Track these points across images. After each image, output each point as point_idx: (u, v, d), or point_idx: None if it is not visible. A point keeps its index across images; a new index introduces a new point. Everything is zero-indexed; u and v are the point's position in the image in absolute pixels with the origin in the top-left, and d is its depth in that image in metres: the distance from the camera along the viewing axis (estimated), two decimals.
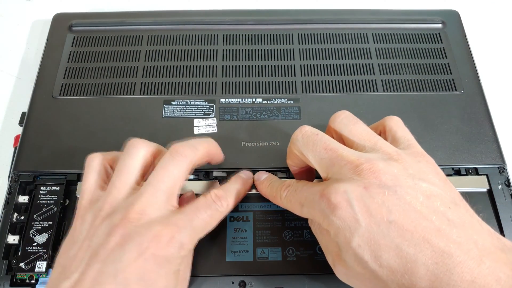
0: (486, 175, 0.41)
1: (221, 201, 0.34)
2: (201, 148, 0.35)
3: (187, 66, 0.48)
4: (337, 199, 0.29)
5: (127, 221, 0.30)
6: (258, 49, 0.49)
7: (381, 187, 0.29)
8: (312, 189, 0.32)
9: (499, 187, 0.41)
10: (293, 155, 0.36)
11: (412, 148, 0.33)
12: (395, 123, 0.36)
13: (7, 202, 0.40)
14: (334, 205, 0.29)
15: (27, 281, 0.37)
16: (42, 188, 0.40)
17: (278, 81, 0.47)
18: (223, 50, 0.49)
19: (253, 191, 0.40)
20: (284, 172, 0.41)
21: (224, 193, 0.35)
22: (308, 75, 0.47)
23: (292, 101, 0.45)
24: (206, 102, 0.45)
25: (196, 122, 0.44)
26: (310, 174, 0.38)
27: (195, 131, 0.43)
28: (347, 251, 0.29)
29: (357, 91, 0.46)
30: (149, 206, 0.31)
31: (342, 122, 0.35)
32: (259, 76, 0.47)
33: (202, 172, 0.41)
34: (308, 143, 0.33)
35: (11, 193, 0.40)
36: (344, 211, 0.29)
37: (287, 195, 0.35)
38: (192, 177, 0.41)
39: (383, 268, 0.28)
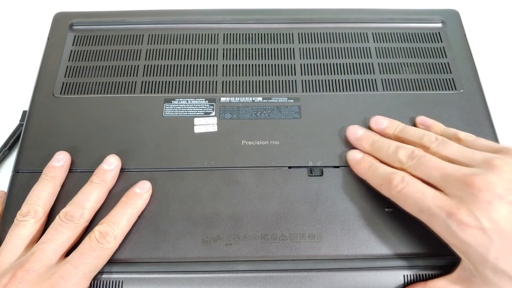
0: None
1: (105, 238, 0.34)
2: (88, 206, 0.36)
3: (187, 65, 0.48)
4: (469, 220, 0.30)
5: (14, 279, 0.32)
6: (258, 48, 0.49)
7: (503, 198, 0.30)
8: (436, 202, 0.32)
9: None
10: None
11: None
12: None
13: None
14: (465, 224, 0.30)
15: None
16: None
17: (278, 80, 0.47)
18: (224, 49, 0.49)
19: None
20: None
21: (109, 227, 0.35)
22: (308, 74, 0.47)
23: (292, 100, 0.45)
24: (207, 101, 0.45)
25: (196, 121, 0.44)
26: None
27: (196, 130, 0.43)
28: (484, 266, 0.30)
29: (357, 90, 0.46)
30: (37, 263, 0.33)
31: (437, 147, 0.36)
32: (259, 75, 0.47)
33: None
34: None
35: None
36: (475, 231, 0.30)
37: (401, 192, 0.34)
38: None
39: None
